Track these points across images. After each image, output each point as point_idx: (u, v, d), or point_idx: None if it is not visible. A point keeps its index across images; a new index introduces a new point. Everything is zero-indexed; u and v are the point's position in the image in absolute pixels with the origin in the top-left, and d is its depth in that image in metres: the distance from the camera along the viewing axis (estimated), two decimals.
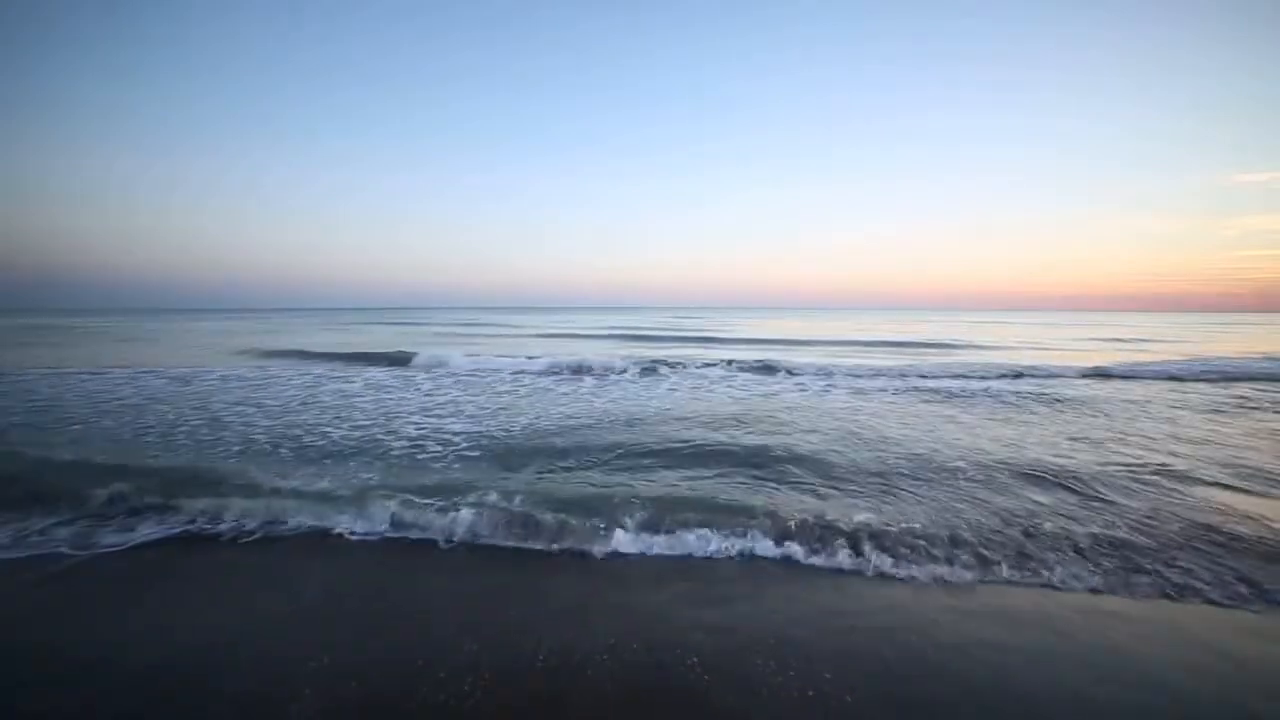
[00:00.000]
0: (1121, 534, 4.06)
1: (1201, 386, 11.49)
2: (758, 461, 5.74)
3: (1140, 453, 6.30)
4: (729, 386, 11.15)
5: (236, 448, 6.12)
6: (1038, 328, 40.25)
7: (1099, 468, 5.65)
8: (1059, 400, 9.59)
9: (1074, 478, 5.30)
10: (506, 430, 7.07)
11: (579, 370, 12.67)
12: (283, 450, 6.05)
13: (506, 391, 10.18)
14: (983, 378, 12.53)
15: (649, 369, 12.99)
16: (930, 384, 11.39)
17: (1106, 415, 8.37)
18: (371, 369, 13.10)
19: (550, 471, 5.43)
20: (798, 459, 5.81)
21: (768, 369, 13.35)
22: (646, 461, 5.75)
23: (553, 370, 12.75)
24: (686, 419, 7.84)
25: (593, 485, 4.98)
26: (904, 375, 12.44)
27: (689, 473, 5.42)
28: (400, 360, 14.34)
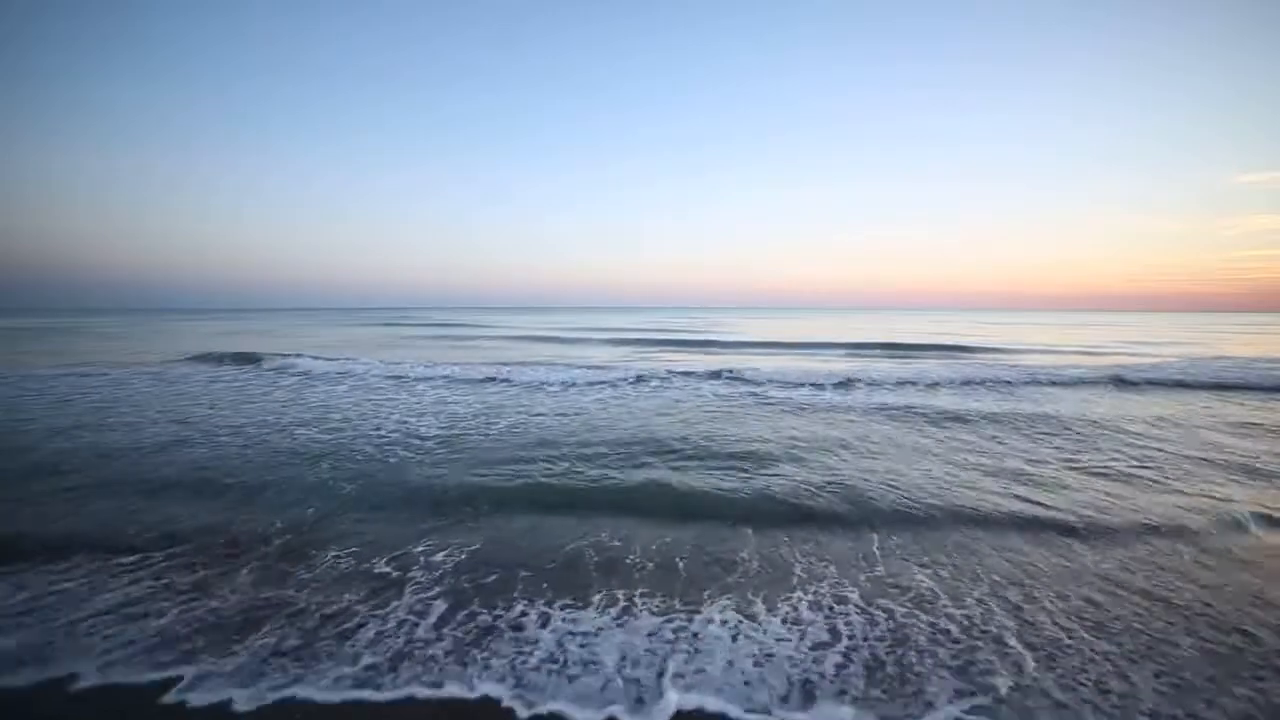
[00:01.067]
0: None
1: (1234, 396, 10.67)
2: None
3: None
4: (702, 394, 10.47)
5: None
6: (1038, 328, 39.54)
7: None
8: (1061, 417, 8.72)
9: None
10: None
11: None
12: None
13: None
14: (1002, 381, 11.69)
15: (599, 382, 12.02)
16: (927, 396, 10.54)
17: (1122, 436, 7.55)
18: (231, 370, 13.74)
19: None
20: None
21: (740, 379, 12.44)
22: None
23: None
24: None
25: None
26: (905, 383, 11.91)
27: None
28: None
